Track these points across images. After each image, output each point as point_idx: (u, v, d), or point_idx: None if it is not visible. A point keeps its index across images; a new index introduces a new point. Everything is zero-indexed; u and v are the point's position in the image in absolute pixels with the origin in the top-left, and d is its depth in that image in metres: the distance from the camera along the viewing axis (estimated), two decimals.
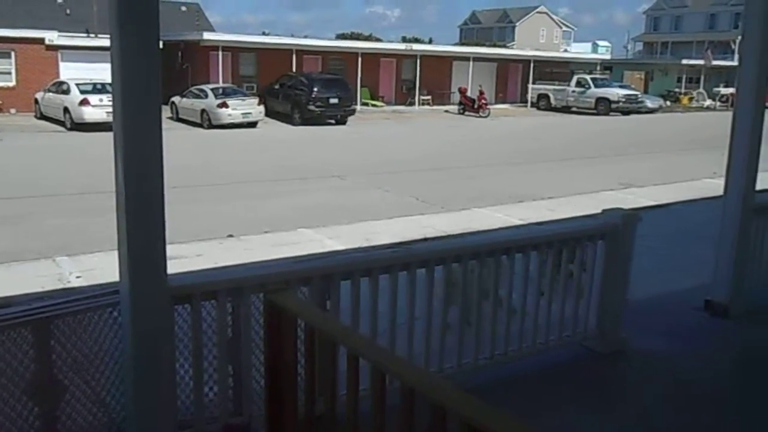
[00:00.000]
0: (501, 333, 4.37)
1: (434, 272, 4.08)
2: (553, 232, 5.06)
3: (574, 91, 38.30)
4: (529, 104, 40.57)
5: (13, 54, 29.17)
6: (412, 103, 37.45)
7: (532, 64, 41.10)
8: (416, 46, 41.38)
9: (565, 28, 78.04)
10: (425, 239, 9.15)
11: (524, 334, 4.50)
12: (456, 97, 37.13)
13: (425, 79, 37.35)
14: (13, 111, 28.35)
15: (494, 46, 55.42)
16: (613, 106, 36.87)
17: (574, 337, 4.78)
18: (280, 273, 3.69)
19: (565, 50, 63.14)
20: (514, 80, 43.03)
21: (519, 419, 1.87)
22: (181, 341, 3.49)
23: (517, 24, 73.53)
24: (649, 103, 39.74)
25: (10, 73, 29.25)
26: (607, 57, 52.85)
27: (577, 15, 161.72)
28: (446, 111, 36.41)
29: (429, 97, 38.15)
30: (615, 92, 37.62)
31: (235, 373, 3.63)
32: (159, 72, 2.85)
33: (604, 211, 4.93)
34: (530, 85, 41.01)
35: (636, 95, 38.80)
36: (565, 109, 38.15)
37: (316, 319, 2.70)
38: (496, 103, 39.82)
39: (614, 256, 4.71)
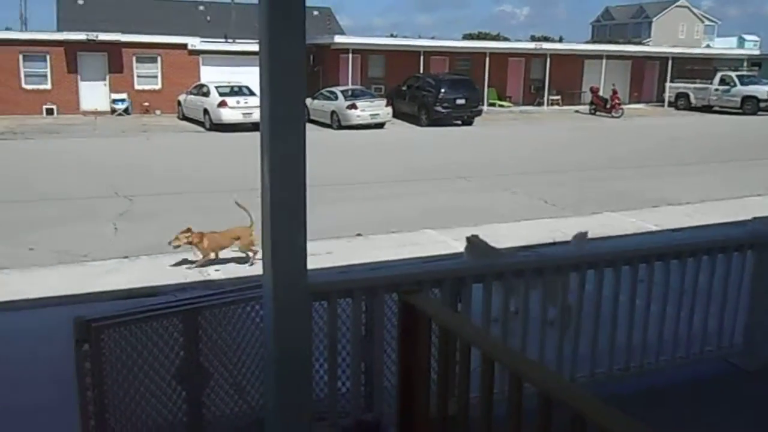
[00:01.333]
0: (637, 344, 4.20)
1: (569, 278, 3.98)
2: (696, 240, 4.80)
3: (717, 90, 36.00)
4: (666, 104, 38.59)
5: (159, 59, 31.19)
6: (540, 104, 36.66)
7: (670, 62, 39.05)
8: (546, 45, 40.45)
9: (707, 23, 73.55)
10: (554, 243, 8.93)
11: (663, 346, 4.30)
12: (587, 96, 35.97)
13: (555, 79, 36.45)
14: (158, 112, 30.34)
15: (629, 43, 53.13)
16: (762, 105, 34.26)
17: (717, 351, 4.51)
18: (412, 274, 3.73)
19: (708, 46, 59.48)
20: (651, 79, 41.06)
21: None
22: (317, 336, 3.62)
23: (654, 19, 70.10)
24: None
25: (156, 77, 31.31)
26: (756, 52, 49.16)
27: (721, 8, 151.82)
28: (576, 111, 35.37)
29: (558, 97, 37.19)
30: (764, 90, 34.96)
31: (367, 370, 3.71)
32: (304, 76, 2.97)
33: (754, 218, 4.62)
34: (668, 84, 38.96)
35: None
36: (707, 109, 35.94)
37: (451, 321, 2.71)
38: (630, 102, 38.20)
39: (766, 267, 4.40)
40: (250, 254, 8.24)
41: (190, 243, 8.09)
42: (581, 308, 4.04)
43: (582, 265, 3.98)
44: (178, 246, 8.12)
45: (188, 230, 8.11)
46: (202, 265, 8.12)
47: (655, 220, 10.41)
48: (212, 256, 8.24)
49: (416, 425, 2.94)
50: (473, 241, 5.56)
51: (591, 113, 34.25)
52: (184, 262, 8.29)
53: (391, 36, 48.72)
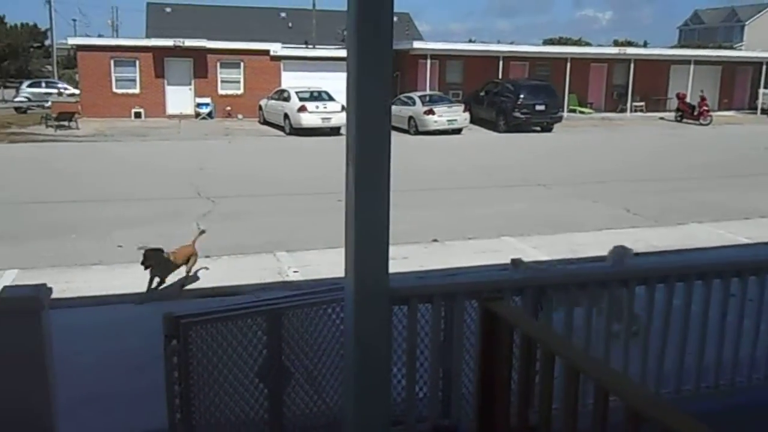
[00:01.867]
0: (728, 361, 4.03)
1: (654, 290, 3.86)
2: None
3: None
4: (759, 111, 36.85)
5: (241, 64, 32.03)
6: (623, 110, 35.68)
7: (764, 67, 37.31)
8: (629, 50, 39.40)
9: None
10: (637, 254, 8.65)
11: (755, 364, 4.10)
12: (673, 103, 34.78)
13: (638, 85, 35.42)
14: (240, 116, 31.15)
15: (719, 47, 51.12)
16: None
17: None
18: (493, 281, 3.70)
19: None
20: (742, 85, 39.30)
21: None
22: (395, 341, 3.63)
23: (747, 23, 67.24)
24: None
25: (238, 82, 32.15)
26: None
27: None
28: (661, 118, 34.25)
29: (642, 104, 36.10)
30: None
31: (444, 376, 3.70)
32: (390, 83, 2.99)
33: None
34: (761, 90, 37.20)
35: None
36: None
37: (535, 330, 2.67)
38: (720, 109, 36.69)
39: None
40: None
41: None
42: (668, 322, 3.90)
43: (671, 278, 3.84)
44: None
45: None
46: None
47: (746, 233, 9.96)
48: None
49: None
50: None
51: (677, 120, 33.10)
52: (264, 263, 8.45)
53: (470, 41, 48.46)
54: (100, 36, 50.46)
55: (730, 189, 14.58)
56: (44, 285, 3.05)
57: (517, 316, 2.86)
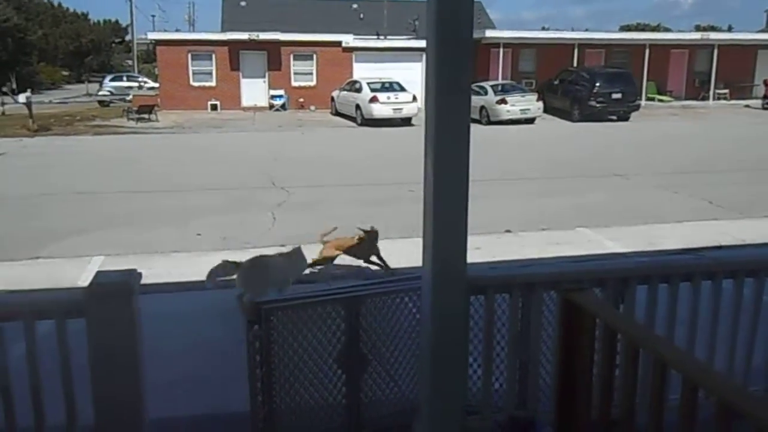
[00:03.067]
0: None
1: (743, 285, 3.71)
2: None
3: None
4: None
5: (314, 56, 32.39)
6: (705, 98, 34.33)
7: None
8: (713, 35, 37.79)
9: None
10: (719, 247, 8.36)
11: None
12: (759, 90, 33.23)
13: (722, 71, 33.99)
14: (312, 108, 31.53)
15: None
16: None
17: None
18: (573, 272, 3.64)
19: None
20: None
21: None
22: (471, 330, 3.62)
23: None
24: None
25: (311, 74, 32.53)
26: None
27: None
28: (746, 106, 32.78)
29: (726, 91, 34.63)
30: None
31: (521, 367, 3.67)
32: (470, 72, 2.97)
33: None
34: None
35: None
36: None
37: (618, 321, 2.62)
38: None
39: None
40: None
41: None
42: (757, 318, 3.76)
43: (760, 271, 3.69)
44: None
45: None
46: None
47: None
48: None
49: (576, 427, 2.87)
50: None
51: (764, 108, 31.61)
52: None
53: (543, 29, 47.54)
54: (177, 31, 52.00)
55: None
56: (135, 270, 3.17)
57: (600, 306, 2.81)
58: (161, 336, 5.11)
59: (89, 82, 47.91)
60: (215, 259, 8.31)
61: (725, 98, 34.53)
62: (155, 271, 7.67)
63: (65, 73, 59.68)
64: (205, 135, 23.61)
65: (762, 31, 54.03)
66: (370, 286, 3.70)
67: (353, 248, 7.99)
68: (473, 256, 7.73)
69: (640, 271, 3.62)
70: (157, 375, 4.12)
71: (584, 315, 2.72)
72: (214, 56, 31.49)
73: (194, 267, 8.02)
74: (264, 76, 32.02)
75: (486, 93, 26.86)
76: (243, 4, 50.38)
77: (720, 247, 8.33)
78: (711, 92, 34.36)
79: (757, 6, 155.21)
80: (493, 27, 41.96)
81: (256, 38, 31.12)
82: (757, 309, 3.72)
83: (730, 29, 60.34)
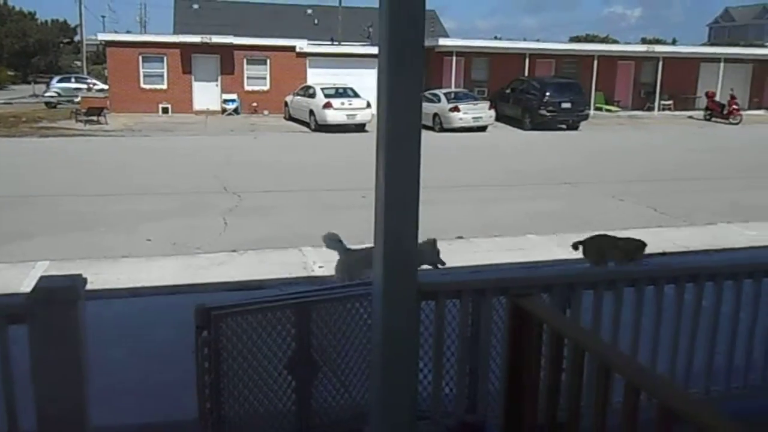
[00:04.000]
0: (758, 362, 3.99)
1: (684, 289, 3.83)
2: None
3: None
4: None
5: (268, 61, 32.17)
6: (650, 108, 35.28)
7: None
8: (658, 48, 38.85)
9: None
10: (663, 254, 8.59)
11: None
12: (702, 102, 34.31)
13: (667, 83, 34.97)
14: (266, 112, 31.30)
15: (750, 45, 50.31)
16: None
17: None
18: (522, 278, 3.70)
19: None
20: None
21: None
22: (422, 336, 3.65)
23: None
24: None
25: (265, 78, 32.29)
26: None
27: None
28: (690, 117, 33.81)
29: (670, 102, 35.66)
30: None
31: (471, 372, 3.71)
32: (421, 79, 3.00)
33: None
34: None
35: None
36: None
37: (565, 327, 2.67)
38: (750, 108, 36.09)
39: None
40: None
41: None
42: (697, 322, 3.88)
43: (700, 277, 3.82)
44: None
45: None
46: None
47: None
48: None
49: (523, 430, 2.91)
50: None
51: (706, 119, 32.67)
52: (290, 257, 8.51)
53: (495, 38, 48.21)
54: (128, 32, 51.06)
55: (761, 189, 14.35)
56: (80, 275, 3.11)
57: (547, 312, 2.86)
58: (108, 342, 5.01)
59: (36, 83, 46.55)
60: (165, 264, 8.26)
61: (669, 109, 35.54)
62: (103, 276, 7.52)
63: (11, 73, 57.97)
64: (155, 138, 23.23)
65: (704, 44, 55.91)
66: (322, 291, 3.71)
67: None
68: None
69: (587, 277, 3.71)
70: (103, 382, 4.04)
71: (532, 320, 2.77)
72: (165, 59, 31.02)
73: (144, 273, 7.91)
74: (216, 80, 31.68)
75: (439, 100, 27.10)
76: (196, 6, 49.86)
77: (664, 254, 8.57)
78: (656, 103, 35.31)
79: (700, 21, 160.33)
80: (446, 35, 42.40)
81: (208, 41, 30.79)
82: (697, 313, 3.84)
83: (674, 42, 62.20)
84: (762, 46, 50.51)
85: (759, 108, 37.29)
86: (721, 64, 35.44)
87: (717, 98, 33.13)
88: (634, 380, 2.18)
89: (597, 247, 6.10)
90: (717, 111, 32.36)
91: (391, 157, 2.99)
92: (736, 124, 30.91)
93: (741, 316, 3.94)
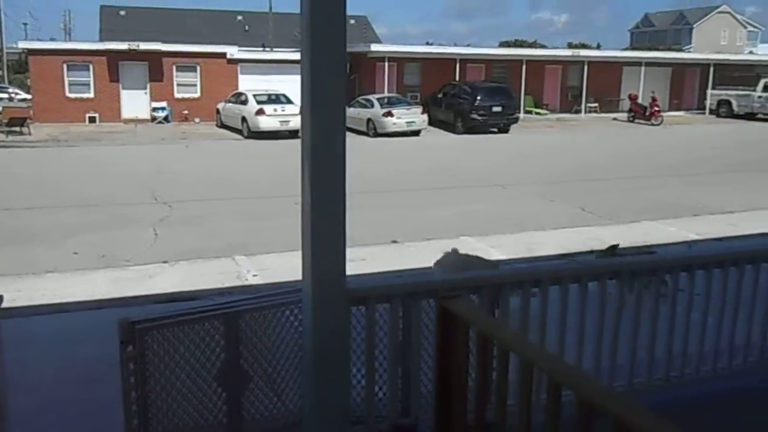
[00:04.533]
0: (678, 354, 4.14)
1: (607, 286, 3.95)
2: (738, 249, 4.72)
3: (760, 97, 35.20)
4: (707, 111, 37.90)
5: (198, 68, 31.68)
6: (578, 111, 36.34)
7: (711, 69, 38.38)
8: (583, 52, 40.12)
9: (750, 29, 72.21)
10: (591, 252, 8.84)
11: (704, 356, 4.23)
12: (625, 104, 35.53)
13: (592, 86, 36.09)
14: (197, 120, 30.79)
15: (669, 49, 52.42)
16: None
17: (761, 363, 4.42)
18: (451, 280, 3.74)
19: (750, 52, 58.38)
20: (691, 86, 40.39)
21: None
22: (354, 341, 3.64)
23: (695, 26, 69.06)
24: None
25: (195, 85, 31.78)
26: None
27: (765, 13, 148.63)
28: (614, 119, 34.96)
29: (596, 105, 36.82)
30: None
31: (404, 375, 3.73)
32: (344, 84, 3.01)
33: None
34: (709, 91, 38.28)
35: None
36: (750, 116, 35.20)
37: (490, 327, 2.71)
38: (670, 110, 37.62)
39: None
40: None
41: None
42: (620, 317, 4.00)
43: (622, 273, 3.94)
44: None
45: None
46: None
47: (697, 229, 10.24)
48: None
49: (454, 431, 2.94)
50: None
51: (629, 121, 33.83)
52: (223, 267, 8.40)
53: (427, 44, 48.76)
54: (52, 39, 49.42)
55: (681, 187, 14.97)
56: None
57: (473, 313, 2.90)
58: (30, 361, 4.83)
59: None
60: (93, 278, 8.01)
61: (595, 111, 36.69)
62: (26, 293, 7.25)
63: None
64: (82, 149, 22.53)
65: (627, 49, 57.90)
66: (251, 300, 3.66)
67: None
68: (360, 268, 7.83)
69: (513, 277, 3.78)
70: (24, 402, 3.90)
71: (459, 322, 2.80)
72: (91, 67, 30.19)
73: (70, 287, 7.65)
74: (145, 88, 30.99)
75: (372, 106, 27.22)
76: (122, 13, 48.67)
77: (592, 252, 8.81)
78: (583, 106, 36.38)
79: (622, 26, 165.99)
80: (378, 41, 42.57)
81: (136, 48, 30.08)
82: (620, 309, 3.96)
83: (599, 47, 64.19)
84: (680, 50, 52.76)
85: (678, 109, 38.91)
86: (643, 68, 36.82)
87: (639, 100, 34.37)
88: (555, 377, 2.23)
89: None
90: (640, 113, 33.55)
91: (315, 162, 2.98)
92: (658, 125, 32.11)
93: (661, 310, 4.08)
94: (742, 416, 4.09)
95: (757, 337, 4.36)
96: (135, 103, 30.71)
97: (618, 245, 7.19)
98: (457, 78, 32.26)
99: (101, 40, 38.79)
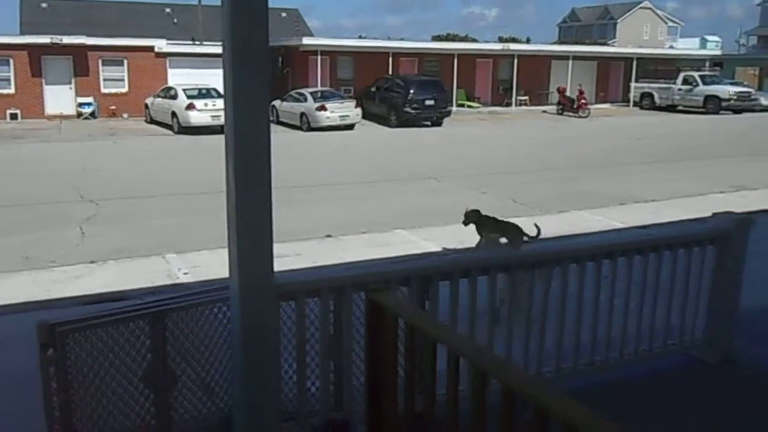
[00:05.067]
0: (602, 339, 4.28)
1: (534, 275, 4.04)
2: (658, 235, 4.90)
3: (680, 89, 36.65)
4: (631, 104, 39.22)
5: (125, 62, 30.85)
6: (509, 104, 37.01)
7: (634, 62, 39.70)
8: (513, 46, 40.80)
9: (670, 24, 74.88)
10: (526, 241, 9.01)
11: (626, 340, 4.38)
12: (554, 97, 36.39)
13: (522, 80, 36.82)
14: (125, 116, 29.99)
15: (594, 44, 53.88)
16: (724, 104, 35.00)
17: (680, 345, 4.62)
18: (380, 273, 3.76)
19: (671, 47, 60.55)
20: (616, 79, 41.69)
21: (625, 427, 1.84)
22: (285, 336, 3.62)
23: (619, 21, 71.18)
24: (764, 101, 37.32)
25: (122, 80, 30.95)
26: (717, 53, 50.26)
27: (685, 9, 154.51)
28: (544, 111, 35.75)
29: (526, 98, 37.58)
30: (725, 89, 35.69)
31: (336, 369, 3.73)
32: (268, 78, 2.98)
33: (714, 214, 4.74)
34: (633, 84, 39.60)
35: (749, 92, 36.52)
36: (671, 108, 36.60)
37: (417, 319, 2.74)
38: (597, 102, 38.73)
39: (725, 261, 4.52)
40: None
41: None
42: (547, 304, 4.10)
43: (548, 262, 4.04)
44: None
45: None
46: None
47: (621, 218, 10.58)
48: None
49: (384, 423, 2.96)
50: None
51: (558, 113, 34.66)
52: (153, 265, 8.21)
53: (360, 37, 48.72)
54: None
55: (607, 177, 15.42)
56: None
57: (400, 305, 2.93)
58: None
59: None
60: (15, 281, 7.69)
61: (526, 104, 37.46)
62: None
63: None
64: (3, 146, 21.61)
65: (555, 43, 59.25)
66: (178, 299, 3.58)
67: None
68: (294, 263, 7.76)
69: (442, 268, 3.82)
70: None
71: (386, 314, 2.82)
72: (12, 61, 29.02)
73: None
74: (70, 83, 30.00)
75: (306, 100, 27.06)
76: (44, 5, 46.76)
77: (526, 241, 8.98)
78: (513, 99, 37.08)
79: (550, 21, 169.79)
80: (311, 35, 42.31)
81: (59, 42, 29.01)
82: (546, 297, 4.06)
83: (528, 41, 65.44)
84: (605, 44, 54.33)
85: (604, 102, 40.11)
86: (570, 62, 37.78)
87: (567, 93, 35.25)
88: (480, 366, 2.28)
89: (477, 216, 6.73)
90: (568, 105, 34.42)
91: (239, 157, 2.94)
92: (586, 117, 33.01)
93: (585, 295, 4.21)
94: (663, 396, 4.26)
95: (676, 321, 4.54)
96: (59, 98, 29.71)
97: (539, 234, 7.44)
98: (391, 72, 32.38)
99: (22, 33, 37.21)
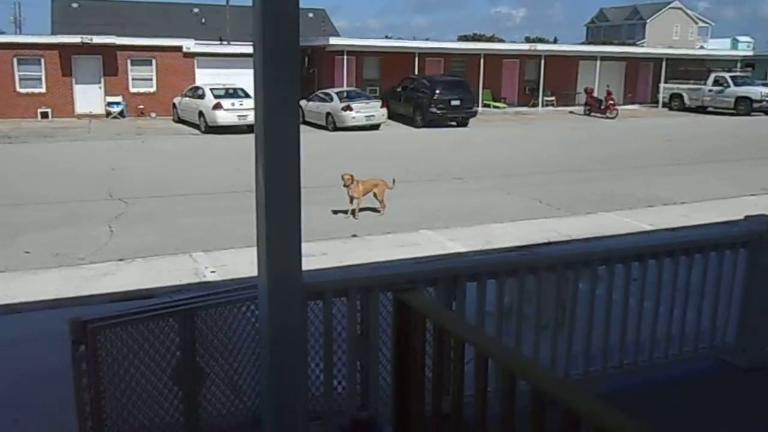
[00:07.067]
0: (631, 342, 4.23)
1: (564, 277, 4.00)
2: (688, 238, 4.83)
3: (710, 90, 36.08)
4: (660, 104, 38.71)
5: (153, 61, 31.14)
6: (535, 105, 36.75)
7: (664, 63, 39.16)
8: (540, 46, 40.50)
9: (701, 24, 73.79)
10: (549, 243, 8.97)
11: (656, 343, 4.33)
12: (581, 97, 36.06)
13: (549, 80, 36.51)
14: (153, 115, 30.30)
15: (623, 44, 53.28)
16: (755, 105, 34.36)
17: (710, 349, 4.55)
18: (407, 273, 3.75)
19: (701, 47, 59.66)
20: (645, 80, 41.19)
21: (656, 429, 1.82)
22: (312, 336, 3.63)
23: (648, 21, 70.32)
24: None
25: (151, 80, 31.24)
26: (749, 53, 49.33)
27: (716, 9, 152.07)
28: (571, 112, 35.45)
29: (553, 98, 37.28)
30: (757, 90, 35.03)
31: (362, 369, 3.73)
32: (298, 77, 2.99)
33: (746, 217, 4.66)
34: (662, 85, 39.06)
35: None
36: (701, 110, 36.05)
37: (445, 319, 2.73)
38: (625, 103, 38.29)
39: (758, 264, 4.44)
40: (381, 207, 11.28)
41: (347, 186, 10.88)
42: (575, 307, 4.07)
43: (576, 264, 4.00)
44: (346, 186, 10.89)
45: (351, 176, 10.88)
46: (353, 212, 10.92)
47: (650, 220, 10.46)
48: (359, 202, 10.92)
49: (412, 424, 2.96)
50: None
51: (585, 114, 34.35)
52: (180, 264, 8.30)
53: (386, 37, 48.72)
54: (2, 33, 48.03)
55: (635, 179, 15.25)
56: None
57: (429, 306, 2.92)
58: None
59: None
60: (46, 277, 7.82)
61: (552, 105, 37.16)
62: None
63: None
64: (34, 145, 21.97)
65: (582, 43, 58.72)
66: (206, 297, 3.61)
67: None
68: (320, 262, 7.79)
69: (469, 269, 3.81)
70: None
71: (415, 314, 2.82)
72: (43, 60, 29.45)
73: (21, 287, 7.46)
74: (99, 82, 30.37)
75: (332, 100, 27.12)
76: (75, 5, 47.46)
77: (549, 243, 8.94)
78: (540, 99, 36.81)
79: (578, 21, 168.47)
80: (337, 35, 42.42)
81: (89, 42, 29.40)
82: (575, 299, 4.03)
83: (555, 41, 64.94)
84: (633, 44, 53.71)
85: (633, 103, 39.63)
86: (598, 62, 37.37)
87: (595, 94, 34.90)
88: (510, 367, 2.26)
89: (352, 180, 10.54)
90: (595, 106, 34.08)
91: (269, 157, 2.96)
92: (613, 118, 32.66)
93: (614, 297, 4.16)
94: (693, 400, 4.20)
95: (707, 324, 4.48)
96: (89, 97, 30.08)
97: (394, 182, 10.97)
98: (416, 72, 32.32)
99: (53, 33, 37.80)
